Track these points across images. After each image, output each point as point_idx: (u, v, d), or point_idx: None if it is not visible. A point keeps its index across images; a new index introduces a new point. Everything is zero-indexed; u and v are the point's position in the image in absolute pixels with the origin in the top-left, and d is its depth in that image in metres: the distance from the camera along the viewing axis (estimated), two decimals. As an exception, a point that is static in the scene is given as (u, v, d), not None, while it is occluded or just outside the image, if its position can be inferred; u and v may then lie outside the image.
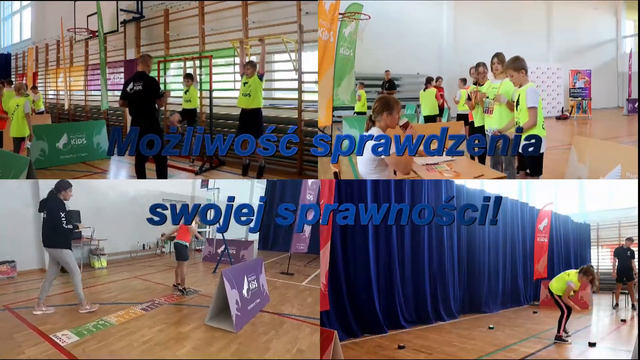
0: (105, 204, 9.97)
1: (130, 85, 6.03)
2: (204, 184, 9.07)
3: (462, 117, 9.25)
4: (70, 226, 5.09)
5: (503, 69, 5.91)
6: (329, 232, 4.79)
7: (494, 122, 6.02)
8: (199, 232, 11.69)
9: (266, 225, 13.66)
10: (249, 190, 17.65)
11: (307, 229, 8.90)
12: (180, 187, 12.96)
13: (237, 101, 7.57)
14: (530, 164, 5.12)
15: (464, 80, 10.12)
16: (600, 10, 21.09)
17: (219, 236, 10.94)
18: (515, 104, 5.12)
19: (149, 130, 5.94)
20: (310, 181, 8.42)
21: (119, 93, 6.46)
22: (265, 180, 15.06)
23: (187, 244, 6.83)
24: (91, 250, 9.25)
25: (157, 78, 9.60)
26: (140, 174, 6.43)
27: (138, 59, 6.31)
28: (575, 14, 20.53)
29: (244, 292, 5.32)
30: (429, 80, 10.98)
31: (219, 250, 10.06)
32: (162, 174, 6.35)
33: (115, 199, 10.39)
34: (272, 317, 5.56)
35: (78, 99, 14.29)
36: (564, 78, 18.70)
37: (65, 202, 5.17)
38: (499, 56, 6.00)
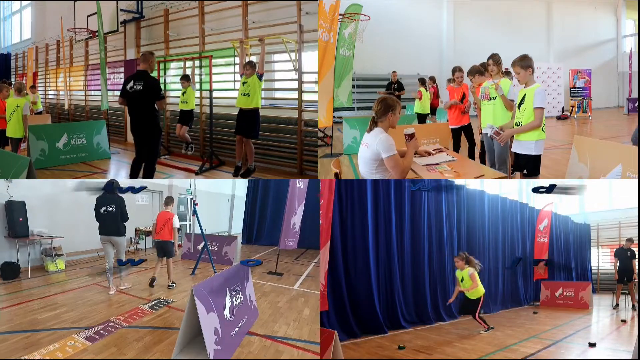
0: (64, 195, 8.83)
1: (131, 84, 5.86)
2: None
3: None
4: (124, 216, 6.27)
5: (498, 70, 5.92)
6: (329, 232, 4.79)
7: (487, 120, 6.04)
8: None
9: (250, 217, 13.22)
10: (231, 180, 17.29)
11: (297, 221, 7.93)
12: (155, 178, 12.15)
13: (236, 101, 7.57)
14: (527, 165, 5.08)
15: (450, 81, 10.12)
16: (600, 9, 21.09)
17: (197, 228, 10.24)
18: (518, 103, 5.05)
19: (146, 130, 5.97)
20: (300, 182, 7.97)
21: (119, 92, 6.33)
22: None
23: (172, 241, 6.73)
24: (45, 250, 8.00)
25: (157, 78, 9.64)
26: (135, 173, 6.31)
27: (139, 57, 6.18)
28: (575, 13, 20.53)
29: (226, 312, 4.06)
30: (423, 81, 11.02)
31: (199, 247, 8.92)
32: (149, 173, 6.23)
33: (77, 189, 9.04)
34: (263, 343, 4.45)
35: (78, 99, 14.29)
36: (564, 78, 18.69)
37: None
38: (494, 57, 6.00)
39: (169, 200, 6.94)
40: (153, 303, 5.71)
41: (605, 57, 21.23)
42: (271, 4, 8.51)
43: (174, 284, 6.68)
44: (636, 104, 17.07)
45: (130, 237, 10.41)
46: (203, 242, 8.04)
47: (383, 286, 6.55)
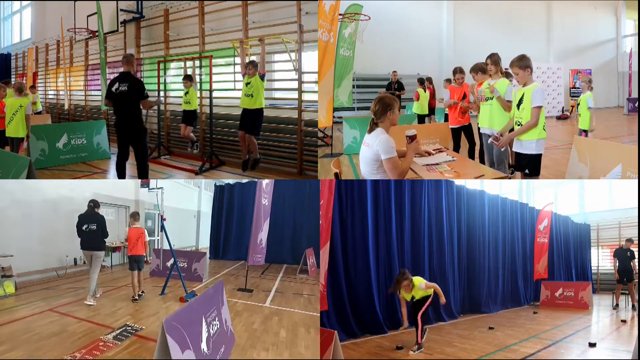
0: (13, 207, 7.78)
1: (116, 86, 6.07)
2: (144, 184, 7.63)
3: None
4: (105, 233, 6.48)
5: (497, 70, 5.93)
6: (329, 232, 4.78)
7: (484, 120, 6.07)
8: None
9: (216, 232, 13.30)
10: (197, 197, 17.36)
11: (264, 237, 7.82)
12: (121, 188, 11.19)
13: (240, 101, 7.58)
14: (529, 165, 5.09)
15: (448, 81, 10.14)
16: (600, 10, 21.10)
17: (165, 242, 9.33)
18: (517, 103, 5.06)
19: (132, 130, 6.11)
20: (264, 182, 7.74)
21: (105, 95, 6.54)
22: (213, 184, 14.87)
23: (144, 255, 6.80)
24: None
25: (157, 78, 9.65)
26: (121, 173, 6.47)
27: (122, 60, 6.31)
28: (575, 13, 20.54)
29: (203, 346, 3.45)
30: (422, 82, 11.04)
31: (168, 264, 8.51)
32: (143, 173, 6.37)
33: (34, 203, 8.28)
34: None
35: (78, 99, 14.29)
36: (564, 78, 18.71)
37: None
38: (492, 57, 6.03)
39: (136, 216, 6.94)
40: (118, 332, 4.87)
41: (605, 57, 21.24)
42: (271, 4, 8.51)
43: (142, 293, 6.75)
44: (636, 104, 17.07)
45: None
46: (172, 259, 7.54)
47: (383, 286, 6.54)
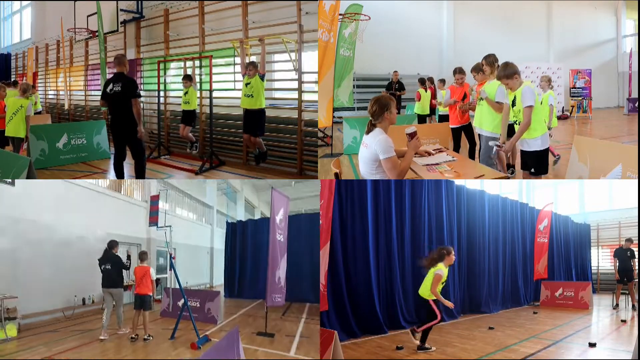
0: (22, 246, 7.48)
1: (110, 86, 6.14)
2: (152, 222, 7.38)
3: (444, 118, 9.16)
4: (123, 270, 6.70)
5: (492, 71, 5.99)
6: (329, 232, 4.79)
7: (476, 121, 6.29)
8: (156, 280, 9.68)
9: (230, 269, 12.82)
10: (209, 233, 17.10)
11: (282, 275, 7.14)
12: (132, 226, 11.02)
13: (240, 102, 7.60)
14: (535, 163, 5.13)
15: (442, 81, 10.23)
16: (600, 10, 21.10)
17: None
18: (512, 105, 5.16)
19: (127, 130, 6.15)
20: (278, 218, 6.91)
21: (100, 95, 6.60)
22: (225, 221, 14.64)
23: (151, 295, 6.57)
24: None
25: (157, 78, 9.65)
26: (119, 173, 6.54)
27: (114, 61, 6.36)
28: (575, 14, 20.54)
29: None
30: (423, 82, 11.05)
31: (179, 304, 7.82)
32: (140, 172, 6.41)
33: (40, 240, 7.93)
34: None
35: (78, 99, 14.30)
36: (564, 78, 18.70)
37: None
38: (487, 58, 6.16)
39: (143, 256, 6.82)
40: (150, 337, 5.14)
41: (605, 57, 21.24)
42: (271, 4, 8.51)
43: (150, 337, 6.30)
44: (636, 104, 17.07)
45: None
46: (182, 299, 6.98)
47: (383, 286, 6.55)
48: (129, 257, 6.95)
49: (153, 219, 7.56)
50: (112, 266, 6.60)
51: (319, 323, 7.90)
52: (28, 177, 5.24)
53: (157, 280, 10.65)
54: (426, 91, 10.99)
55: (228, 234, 13.24)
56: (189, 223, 15.01)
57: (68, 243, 8.62)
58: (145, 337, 6.25)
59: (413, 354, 5.01)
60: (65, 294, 8.37)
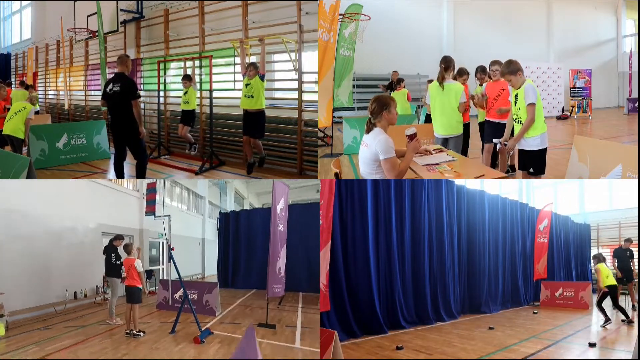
0: (10, 239, 7.19)
1: (110, 86, 6.17)
2: (149, 212, 7.11)
3: (430, 119, 9.19)
4: (118, 262, 7.07)
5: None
6: (329, 232, 4.78)
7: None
8: (149, 271, 10.39)
9: (224, 259, 12.89)
10: (201, 224, 17.08)
11: (282, 266, 7.06)
12: (124, 218, 10.76)
13: (240, 102, 7.59)
14: (534, 162, 5.13)
15: (431, 82, 10.17)
16: (600, 10, 21.11)
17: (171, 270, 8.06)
18: (514, 103, 5.18)
19: (126, 130, 6.17)
20: (279, 207, 6.79)
21: (101, 95, 6.64)
22: (218, 212, 14.80)
23: (141, 287, 6.19)
24: None
25: (157, 78, 9.65)
26: (119, 173, 6.54)
27: (116, 60, 6.38)
28: (575, 13, 20.54)
29: None
30: (399, 81, 11.01)
31: (177, 296, 7.82)
32: (141, 172, 6.41)
33: (36, 235, 7.74)
34: None
35: (78, 99, 14.29)
36: (564, 78, 18.69)
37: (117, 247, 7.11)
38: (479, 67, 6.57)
39: (128, 248, 6.49)
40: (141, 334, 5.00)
41: (605, 57, 21.24)
42: (271, 4, 8.51)
43: (140, 333, 5.90)
44: (636, 104, 17.07)
45: (97, 286, 9.17)
46: (181, 290, 7.03)
47: (383, 286, 6.55)
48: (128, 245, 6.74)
49: (150, 209, 7.36)
50: (107, 256, 7.09)
51: (317, 313, 7.84)
52: (28, 177, 5.24)
53: (151, 272, 10.75)
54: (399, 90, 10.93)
55: (221, 224, 13.29)
56: (181, 213, 14.82)
57: (59, 235, 8.43)
58: (135, 332, 5.86)
59: (414, 354, 5.01)
60: (56, 288, 8.08)
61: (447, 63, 6.11)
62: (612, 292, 6.93)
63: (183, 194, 15.74)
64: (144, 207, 7.91)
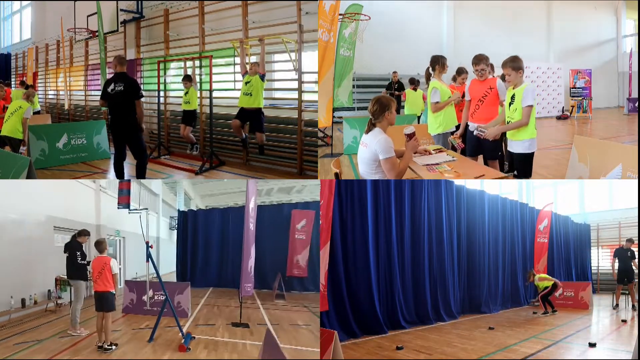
0: None
1: (112, 86, 6.14)
2: (123, 204, 6.47)
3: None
4: (84, 262, 6.11)
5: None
6: (329, 233, 4.79)
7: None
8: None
9: (182, 258, 12.88)
10: (155, 222, 16.53)
11: (252, 264, 6.81)
12: (79, 211, 9.54)
13: (238, 100, 7.59)
14: (519, 165, 5.10)
15: (412, 81, 10.58)
16: (600, 10, 21.09)
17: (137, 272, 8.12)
18: (508, 103, 5.08)
19: (126, 130, 6.16)
20: (250, 206, 6.54)
21: (100, 95, 6.58)
22: (176, 211, 14.89)
23: (114, 292, 5.41)
24: None
25: (157, 78, 9.65)
26: (119, 173, 6.52)
27: (115, 61, 6.36)
28: (575, 14, 20.53)
29: None
30: (412, 81, 11.03)
31: (144, 298, 7.04)
32: (141, 173, 6.40)
33: None
34: None
35: (78, 99, 14.29)
36: (564, 78, 18.69)
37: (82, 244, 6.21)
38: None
39: (101, 245, 5.59)
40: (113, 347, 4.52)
41: (605, 57, 21.22)
42: (271, 4, 8.51)
43: (112, 347, 5.11)
44: (636, 104, 17.06)
45: (49, 290, 7.96)
46: (149, 292, 6.64)
47: (383, 286, 6.54)
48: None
49: (123, 199, 6.64)
50: (69, 255, 6.06)
51: (277, 308, 8.12)
52: (28, 177, 5.25)
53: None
54: (415, 91, 10.92)
55: (180, 223, 13.41)
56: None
57: (2, 227, 7.17)
58: (107, 345, 5.04)
59: (414, 354, 5.01)
60: (1, 294, 6.72)
61: (432, 62, 6.06)
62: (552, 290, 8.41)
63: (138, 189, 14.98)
64: (102, 200, 7.10)
